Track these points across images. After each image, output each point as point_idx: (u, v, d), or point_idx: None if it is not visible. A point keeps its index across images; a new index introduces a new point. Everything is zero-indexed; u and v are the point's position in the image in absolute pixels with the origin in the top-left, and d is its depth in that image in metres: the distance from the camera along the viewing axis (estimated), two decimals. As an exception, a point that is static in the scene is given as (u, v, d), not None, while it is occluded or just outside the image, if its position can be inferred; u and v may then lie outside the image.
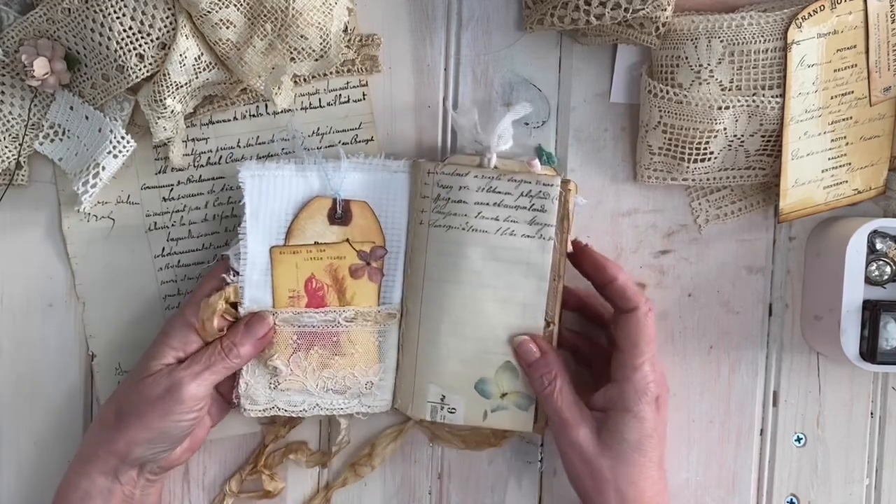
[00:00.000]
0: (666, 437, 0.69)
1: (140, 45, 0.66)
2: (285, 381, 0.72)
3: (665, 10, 0.67)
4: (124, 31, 0.65)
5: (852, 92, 0.70)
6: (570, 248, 0.70)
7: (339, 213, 0.71)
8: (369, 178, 0.71)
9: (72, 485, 0.67)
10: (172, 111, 0.68)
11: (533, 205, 0.69)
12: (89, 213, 0.73)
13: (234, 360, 0.68)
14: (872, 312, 0.70)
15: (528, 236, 0.69)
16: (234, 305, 0.70)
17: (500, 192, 0.69)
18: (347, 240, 0.71)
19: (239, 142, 0.73)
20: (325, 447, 0.76)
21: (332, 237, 0.71)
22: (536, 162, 0.71)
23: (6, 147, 0.71)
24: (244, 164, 0.69)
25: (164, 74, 0.66)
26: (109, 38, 0.66)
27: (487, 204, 0.69)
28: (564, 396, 0.68)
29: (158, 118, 0.68)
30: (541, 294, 0.69)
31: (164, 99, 0.67)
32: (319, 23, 0.67)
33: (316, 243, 0.71)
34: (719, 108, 0.68)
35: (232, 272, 0.70)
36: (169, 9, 0.66)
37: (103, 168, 0.69)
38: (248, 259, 0.70)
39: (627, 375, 0.66)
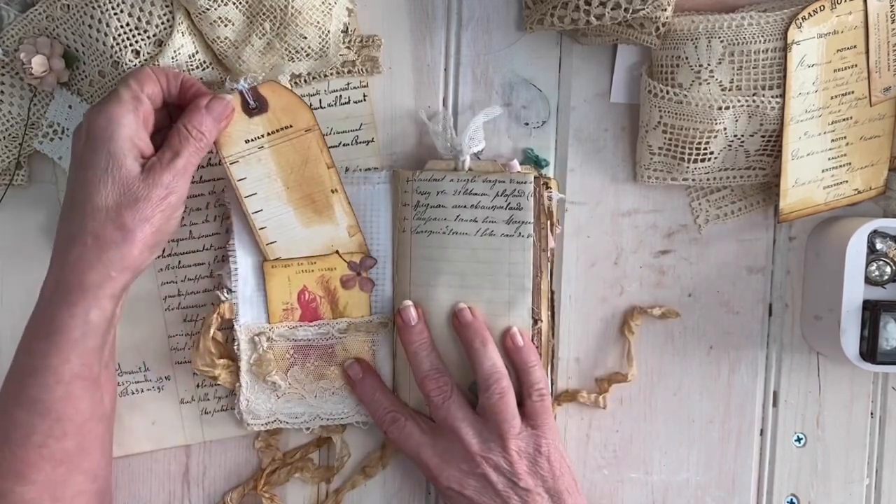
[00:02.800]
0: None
1: (136, 42, 0.66)
2: (285, 394, 0.73)
3: (665, 10, 0.67)
4: (121, 27, 0.65)
5: (852, 92, 0.70)
6: (552, 244, 0.71)
7: (253, 103, 0.68)
8: (352, 191, 0.72)
9: (76, 318, 0.62)
10: None
11: (509, 203, 0.69)
12: (89, 213, 0.73)
13: (204, 146, 0.66)
14: (872, 312, 0.70)
15: (508, 235, 0.69)
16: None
17: (476, 194, 0.70)
18: (337, 251, 0.72)
19: (238, 142, 0.73)
20: (324, 462, 0.76)
21: (258, 130, 0.68)
22: (515, 162, 0.72)
23: (6, 147, 0.71)
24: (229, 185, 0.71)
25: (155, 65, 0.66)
26: (106, 35, 0.66)
27: (465, 206, 0.70)
28: (460, 406, 0.69)
29: None
30: (525, 292, 0.70)
31: None
32: (318, 22, 0.67)
33: (306, 258, 0.71)
34: (719, 108, 0.68)
35: (225, 290, 0.72)
36: (166, 6, 0.66)
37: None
38: (239, 275, 0.71)
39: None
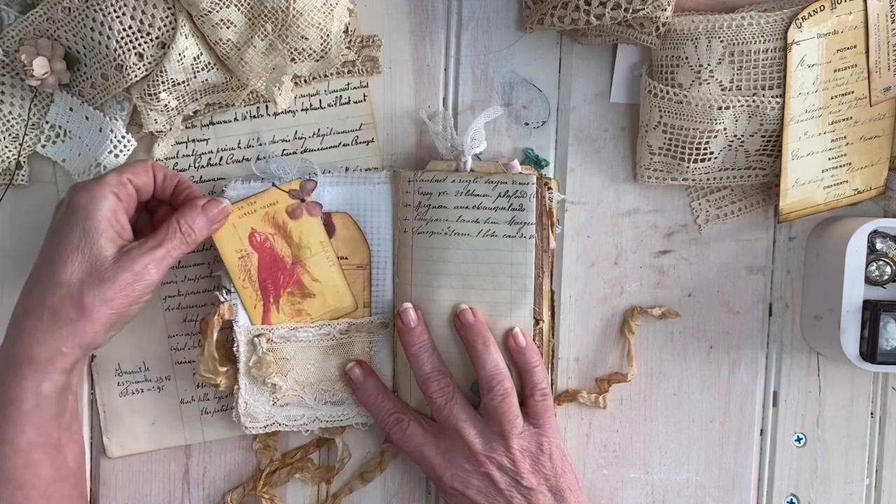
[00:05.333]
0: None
1: (140, 45, 0.66)
2: (284, 396, 0.72)
3: (665, 10, 0.67)
4: (124, 30, 0.65)
5: (852, 92, 0.70)
6: (553, 245, 0.71)
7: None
8: (352, 191, 0.72)
9: (27, 391, 0.63)
10: (166, 105, 0.68)
11: (511, 204, 0.69)
12: (89, 214, 0.73)
13: (190, 243, 0.67)
14: (872, 312, 0.70)
15: (510, 236, 0.69)
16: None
17: (478, 195, 0.70)
18: (273, 184, 0.71)
19: (239, 143, 0.73)
20: (324, 462, 0.76)
21: None
22: (515, 163, 0.72)
23: (6, 147, 0.71)
24: (228, 185, 0.71)
25: (161, 71, 0.66)
26: (109, 38, 0.66)
27: (467, 207, 0.70)
28: (462, 408, 0.70)
29: (150, 110, 0.68)
30: (526, 292, 0.70)
31: (159, 93, 0.67)
32: (320, 23, 0.67)
33: (246, 198, 0.71)
34: (719, 108, 0.68)
35: (224, 290, 0.71)
36: (169, 8, 0.66)
37: (105, 168, 0.70)
38: None
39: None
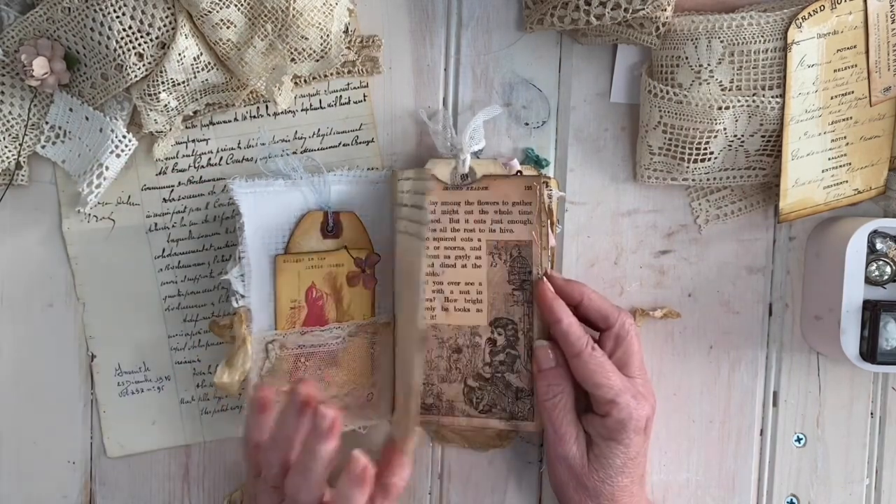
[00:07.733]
0: (647, 451, 0.69)
1: (139, 45, 0.66)
2: None
3: (665, 10, 0.67)
4: (124, 30, 0.66)
5: (852, 92, 0.70)
6: (552, 243, 0.71)
7: (331, 226, 0.71)
8: (355, 190, 0.72)
9: None
10: (166, 105, 0.68)
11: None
12: (89, 214, 0.73)
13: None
14: (872, 312, 0.70)
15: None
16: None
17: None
18: (345, 246, 0.71)
19: (239, 143, 0.74)
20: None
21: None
22: (515, 161, 0.72)
23: (6, 147, 0.71)
24: (234, 182, 0.68)
25: (161, 71, 0.66)
26: (109, 38, 0.66)
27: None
28: (565, 412, 0.68)
29: (150, 110, 0.68)
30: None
31: (159, 93, 0.67)
32: (320, 23, 0.67)
33: (317, 252, 0.71)
34: (719, 108, 0.68)
35: (238, 295, 0.69)
36: (169, 8, 0.66)
37: (107, 168, 0.70)
38: (253, 279, 0.69)
39: (607, 411, 0.66)
